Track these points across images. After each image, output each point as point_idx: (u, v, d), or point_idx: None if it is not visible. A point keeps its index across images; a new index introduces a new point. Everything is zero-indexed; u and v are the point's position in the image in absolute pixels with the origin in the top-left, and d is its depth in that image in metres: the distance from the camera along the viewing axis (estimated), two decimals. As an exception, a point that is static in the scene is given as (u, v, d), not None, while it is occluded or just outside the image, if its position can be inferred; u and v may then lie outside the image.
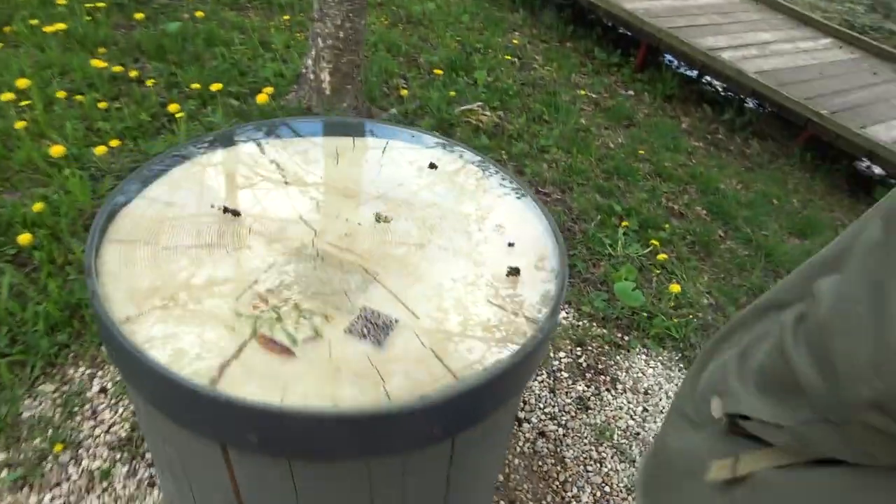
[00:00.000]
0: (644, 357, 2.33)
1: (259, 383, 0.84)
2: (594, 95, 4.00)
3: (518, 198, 1.27)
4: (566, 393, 2.14)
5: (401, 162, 1.32)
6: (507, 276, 1.07)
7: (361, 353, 0.91)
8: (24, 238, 2.14)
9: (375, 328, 0.94)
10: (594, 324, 2.40)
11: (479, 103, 3.39)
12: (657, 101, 4.12)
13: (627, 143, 3.55)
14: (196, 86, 3.01)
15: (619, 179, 3.20)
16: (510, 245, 1.14)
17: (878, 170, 3.89)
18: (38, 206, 2.20)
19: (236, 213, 1.09)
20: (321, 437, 0.85)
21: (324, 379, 0.86)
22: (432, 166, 1.30)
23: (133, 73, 3.05)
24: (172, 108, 2.70)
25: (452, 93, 3.44)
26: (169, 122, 2.82)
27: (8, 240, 2.18)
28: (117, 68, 3.05)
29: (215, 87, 2.86)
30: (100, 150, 2.52)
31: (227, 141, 1.29)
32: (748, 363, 0.69)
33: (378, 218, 1.13)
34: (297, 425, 0.83)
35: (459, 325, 0.97)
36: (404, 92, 3.37)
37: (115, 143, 2.56)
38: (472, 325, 0.98)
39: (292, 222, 1.12)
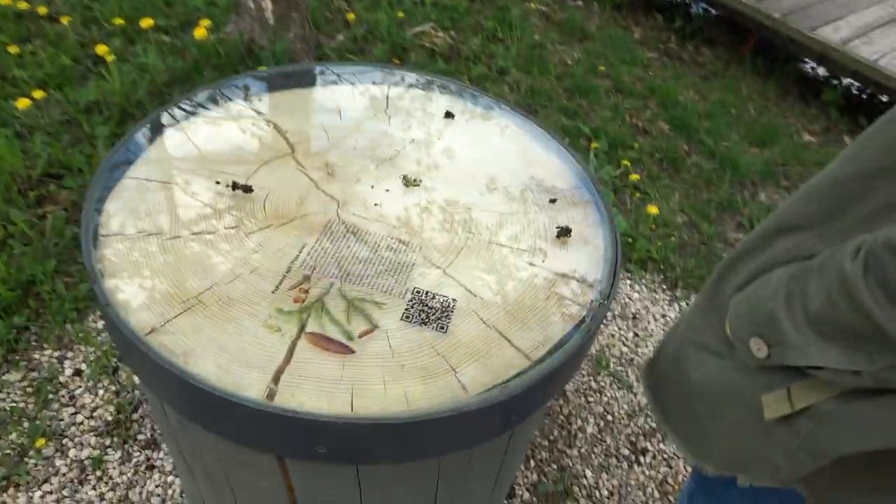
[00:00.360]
0: (629, 282, 2.33)
1: (320, 389, 0.75)
2: (544, 9, 3.84)
3: (529, 134, 1.18)
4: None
5: (410, 110, 1.20)
6: (557, 237, 0.99)
7: (425, 341, 0.82)
8: (-47, 212, 1.90)
9: (434, 312, 0.85)
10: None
11: (431, 24, 3.19)
12: (607, 11, 4.00)
13: (584, 58, 3.44)
14: (119, 21, 2.69)
15: (582, 98, 3.11)
16: (552, 201, 1.05)
17: (822, 71, 3.94)
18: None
19: (247, 189, 0.95)
20: (395, 442, 0.77)
21: (391, 376, 0.78)
22: (449, 115, 1.18)
23: (42, 10, 2.70)
24: (100, 49, 2.41)
25: (401, 13, 3.22)
26: (95, 64, 2.53)
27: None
28: (23, 4, 2.69)
29: (145, 22, 2.57)
30: (22, 102, 2.23)
31: (211, 100, 1.13)
32: (798, 309, 0.65)
33: (406, 181, 1.02)
34: (369, 434, 0.74)
35: (518, 298, 0.89)
36: (350, 16, 3.13)
37: (38, 93, 2.28)
38: (531, 296, 0.90)
39: (310, 193, 0.99)
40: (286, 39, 2.65)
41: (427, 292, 0.87)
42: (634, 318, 2.22)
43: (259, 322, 0.81)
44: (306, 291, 0.85)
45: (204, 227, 0.91)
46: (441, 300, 0.87)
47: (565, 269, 0.95)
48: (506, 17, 3.48)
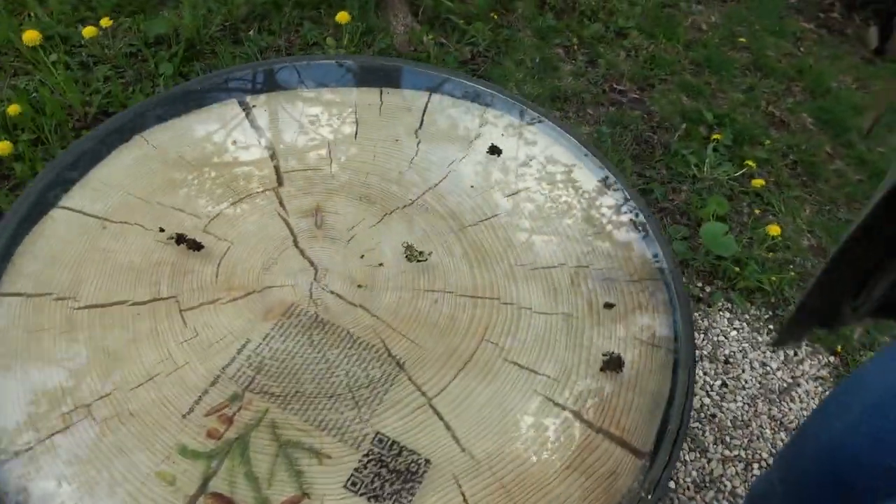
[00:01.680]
0: (728, 315, 1.96)
1: None
2: (687, -43, 3.29)
3: (631, 225, 0.87)
4: (632, 361, 1.81)
5: (448, 132, 0.91)
6: (603, 369, 0.70)
7: (371, 527, 0.58)
8: (2, 147, 1.80)
9: (394, 480, 0.60)
10: (670, 269, 2.01)
11: (547, -31, 2.78)
12: (763, -34, 3.39)
13: (723, 23, 2.93)
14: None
15: (712, 74, 2.64)
16: (608, 307, 0.76)
17: None
18: (13, 109, 1.84)
19: (196, 246, 0.72)
20: None
21: (310, 579, 0.54)
22: (494, 151, 0.88)
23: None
24: (176, -24, 2.22)
25: (514, -46, 2.82)
26: (173, -8, 2.35)
27: (-17, 147, 1.85)
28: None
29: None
30: (89, 31, 2.09)
31: (199, 99, 0.89)
32: None
33: (411, 252, 0.75)
34: None
35: (527, 467, 0.62)
36: (456, -47, 2.77)
37: (106, 21, 2.13)
38: (546, 466, 0.63)
39: (283, 252, 0.75)
40: (377, -20, 2.35)
41: (393, 443, 0.62)
42: (727, 361, 1.87)
43: (155, 461, 0.59)
44: (229, 421, 0.62)
45: (128, 294, 0.69)
46: (408, 460, 0.61)
47: (606, 423, 0.67)
48: (638, -34, 2.99)
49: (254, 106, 0.88)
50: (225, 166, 0.82)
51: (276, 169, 0.82)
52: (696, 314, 1.95)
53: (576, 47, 2.60)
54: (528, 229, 0.81)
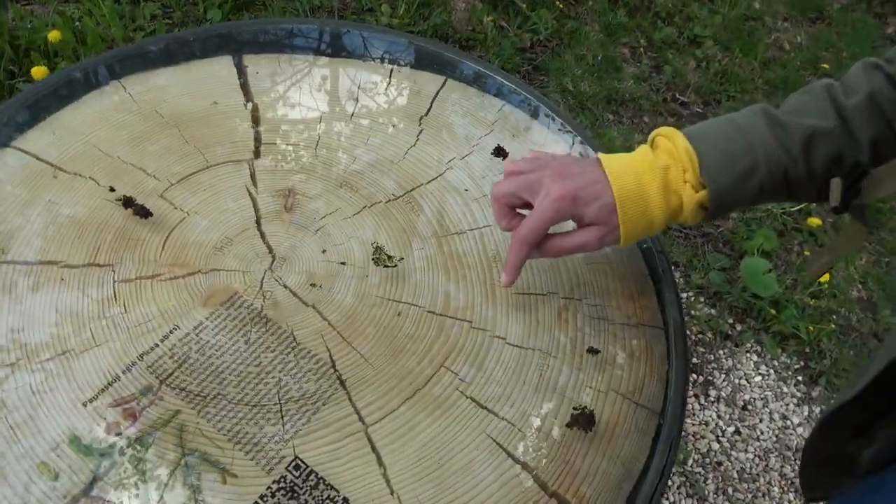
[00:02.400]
0: (755, 358, 1.83)
1: None
2: (781, -30, 3.07)
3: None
4: (642, 391, 1.70)
5: (455, 124, 0.82)
6: (570, 425, 0.61)
7: (263, 566, 0.50)
8: (38, 72, 1.78)
9: (301, 517, 0.52)
10: (702, 300, 1.89)
11: (627, -37, 2.63)
12: (863, -10, 3.15)
13: (809, 45, 2.73)
14: None
15: (785, 97, 2.46)
16: (592, 352, 0.66)
17: None
18: (54, 35, 1.81)
19: (143, 213, 0.65)
20: None
21: None
22: (500, 153, 0.79)
23: None
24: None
25: (595, -58, 2.67)
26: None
27: (23, 69, 1.83)
28: None
29: None
30: (142, -35, 2.05)
31: (191, 51, 0.82)
32: None
33: (379, 255, 0.67)
34: None
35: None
36: (534, -67, 2.63)
37: (159, -44, 2.08)
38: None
39: (243, 232, 0.67)
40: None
41: (311, 473, 0.55)
42: (745, 408, 1.74)
43: (42, 450, 0.52)
44: (134, 416, 0.55)
45: (63, 254, 0.63)
46: (323, 496, 0.54)
47: (563, 488, 0.58)
48: (725, -28, 2.81)
49: (247, 66, 0.81)
50: (201, 127, 0.74)
51: (257, 139, 0.75)
52: (720, 352, 1.82)
53: (643, 50, 2.45)
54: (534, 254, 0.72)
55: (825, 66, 2.65)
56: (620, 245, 0.64)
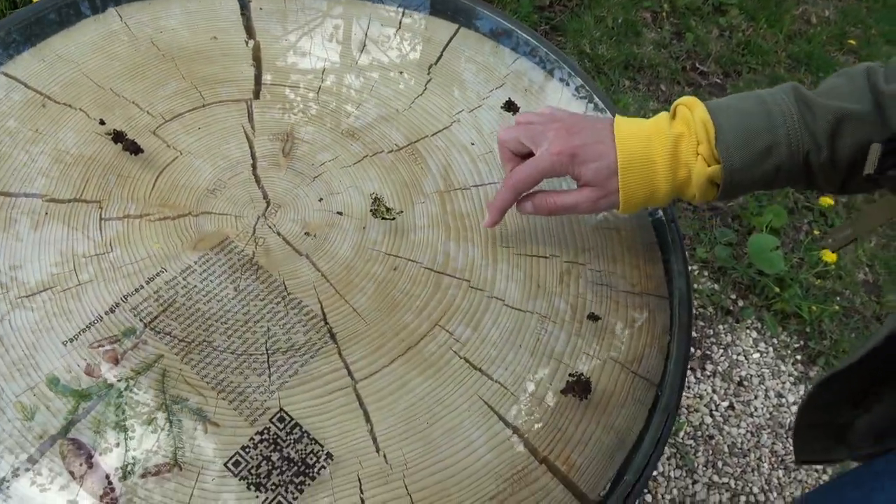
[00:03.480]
0: (755, 335, 1.81)
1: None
2: (814, -63, 2.96)
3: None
4: (639, 362, 1.69)
5: (466, 75, 0.78)
6: (564, 392, 0.59)
7: (241, 518, 0.49)
8: None
9: (284, 470, 0.51)
10: (706, 274, 1.87)
11: (654, -78, 2.53)
12: (897, -37, 3.04)
13: (837, 20, 2.64)
14: None
15: (809, 73, 2.40)
16: (592, 318, 0.64)
17: None
18: None
19: (134, 149, 0.62)
20: None
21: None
22: (511, 108, 0.75)
23: None
24: None
25: None
26: None
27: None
28: None
29: None
30: None
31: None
32: None
33: (378, 205, 0.64)
34: None
35: (453, 484, 0.53)
36: None
37: None
38: (476, 488, 0.53)
39: (236, 176, 0.65)
40: None
41: (296, 426, 0.53)
42: (741, 383, 1.73)
43: (19, 388, 0.51)
44: (115, 359, 0.53)
45: (48, 187, 0.60)
46: (307, 449, 0.52)
47: (554, 454, 0.56)
48: (756, -63, 2.70)
49: (251, 1, 0.77)
50: (199, 63, 0.71)
51: (257, 78, 0.71)
52: (720, 327, 1.80)
53: (665, 14, 2.37)
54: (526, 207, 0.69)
55: (852, 41, 2.57)
56: (619, 211, 0.62)
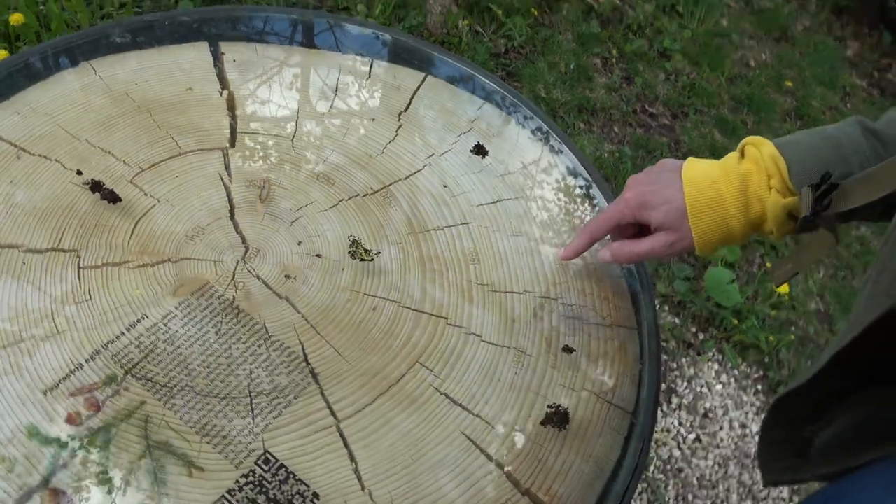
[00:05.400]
0: (716, 367, 1.86)
1: None
2: (748, -11, 3.16)
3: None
4: (607, 397, 1.71)
5: (435, 121, 0.81)
6: (544, 423, 0.60)
7: (229, 563, 0.49)
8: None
9: (270, 512, 0.51)
10: (667, 308, 1.92)
11: (601, -25, 2.66)
12: (825, 13, 3.25)
13: (773, 63, 2.80)
14: None
15: (750, 113, 2.52)
16: (567, 350, 0.66)
17: None
18: (16, 18, 1.75)
19: (113, 197, 0.63)
20: None
21: None
22: (480, 152, 0.78)
23: None
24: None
25: (570, -47, 2.70)
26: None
27: (-20, 54, 1.76)
28: None
29: None
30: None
31: (164, 34, 0.80)
32: None
33: (356, 248, 0.66)
34: None
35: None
36: (510, -59, 2.65)
37: (132, -55, 2.04)
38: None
39: (215, 222, 0.66)
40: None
41: (281, 467, 0.53)
42: (706, 415, 1.77)
43: (-3, 438, 0.50)
44: (96, 406, 0.53)
45: (24, 238, 0.60)
46: (293, 490, 0.52)
47: (535, 486, 0.57)
48: (695, -12, 2.86)
49: (223, 53, 0.79)
50: (174, 113, 0.73)
51: (232, 127, 0.73)
52: (683, 360, 1.84)
53: (615, 60, 2.48)
54: (498, 246, 0.72)
55: (789, 83, 2.72)
56: (697, 253, 0.62)
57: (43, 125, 0.68)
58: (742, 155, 0.62)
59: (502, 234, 0.73)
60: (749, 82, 2.64)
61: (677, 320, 1.90)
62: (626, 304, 0.71)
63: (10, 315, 0.56)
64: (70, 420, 0.52)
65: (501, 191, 0.77)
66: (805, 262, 0.62)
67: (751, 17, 3.01)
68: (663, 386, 1.79)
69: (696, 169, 0.62)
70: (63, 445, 0.51)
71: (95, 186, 0.62)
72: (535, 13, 2.41)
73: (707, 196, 0.60)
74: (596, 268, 0.73)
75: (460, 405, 0.60)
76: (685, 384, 1.81)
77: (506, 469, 0.58)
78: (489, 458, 0.58)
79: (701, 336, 1.91)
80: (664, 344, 1.87)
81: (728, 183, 0.60)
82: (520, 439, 0.59)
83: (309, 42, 0.85)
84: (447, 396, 0.61)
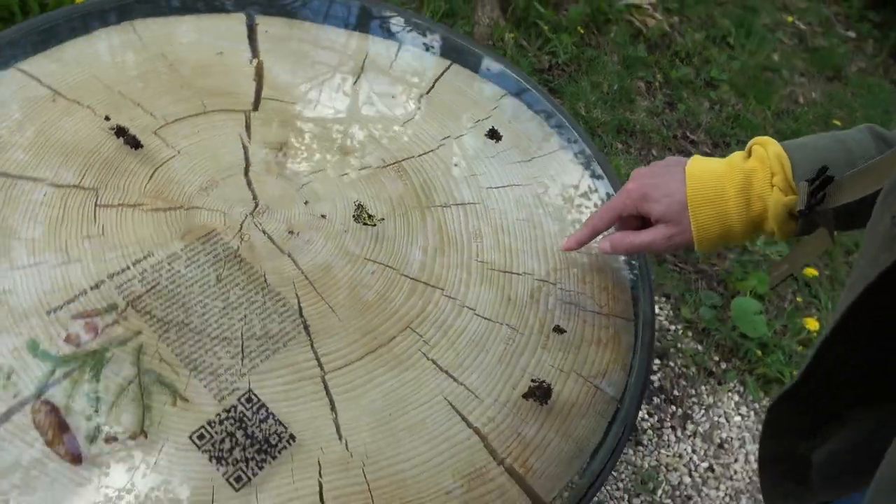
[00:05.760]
0: (736, 398, 1.82)
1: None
2: (803, 27, 3.12)
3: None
4: (619, 416, 1.68)
5: (454, 104, 0.83)
6: (525, 396, 0.61)
7: (206, 486, 0.50)
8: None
9: (246, 447, 0.52)
10: (690, 334, 1.88)
11: (652, 0, 2.67)
12: (882, 55, 3.19)
13: (823, 102, 2.75)
14: None
15: (794, 149, 2.47)
16: (558, 331, 0.66)
17: None
18: None
19: (134, 144, 0.66)
20: None
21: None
22: (494, 136, 0.80)
23: None
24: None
25: (623, -22, 2.72)
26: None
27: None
28: None
29: None
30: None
31: (206, 2, 0.84)
32: None
33: (361, 212, 0.67)
34: None
35: (411, 477, 0.54)
36: (563, -38, 2.68)
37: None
38: (432, 482, 0.54)
39: (230, 177, 0.68)
40: (473, -35, 2.29)
41: (262, 406, 0.55)
42: (721, 446, 1.73)
43: (0, 351, 0.53)
44: (95, 330, 0.55)
45: (50, 173, 0.63)
46: (271, 430, 0.54)
47: (512, 457, 0.57)
48: (748, 21, 2.85)
49: (258, 25, 0.82)
50: (204, 75, 0.76)
51: (257, 93, 0.76)
52: (702, 388, 1.81)
53: (658, 85, 2.48)
54: (502, 227, 0.73)
55: (837, 122, 2.67)
56: (696, 248, 0.62)
57: (80, 74, 0.71)
58: (749, 154, 0.62)
59: (509, 218, 0.74)
60: (796, 118, 2.60)
61: (700, 347, 1.87)
62: (624, 296, 0.71)
63: (27, 241, 0.59)
64: (69, 340, 0.54)
65: (513, 176, 0.78)
66: (800, 262, 0.61)
67: (804, 54, 2.97)
68: (679, 411, 1.75)
69: (701, 165, 0.62)
70: (59, 363, 0.53)
71: (120, 132, 0.66)
72: (582, 32, 2.43)
73: (709, 190, 0.60)
74: (598, 258, 0.73)
75: (446, 372, 0.61)
76: (702, 412, 1.77)
77: (484, 437, 0.58)
78: (468, 424, 0.58)
79: (723, 366, 1.87)
80: (684, 369, 1.83)
81: (731, 179, 0.60)
82: (501, 411, 0.60)
83: (345, 23, 0.88)
84: (434, 362, 0.61)
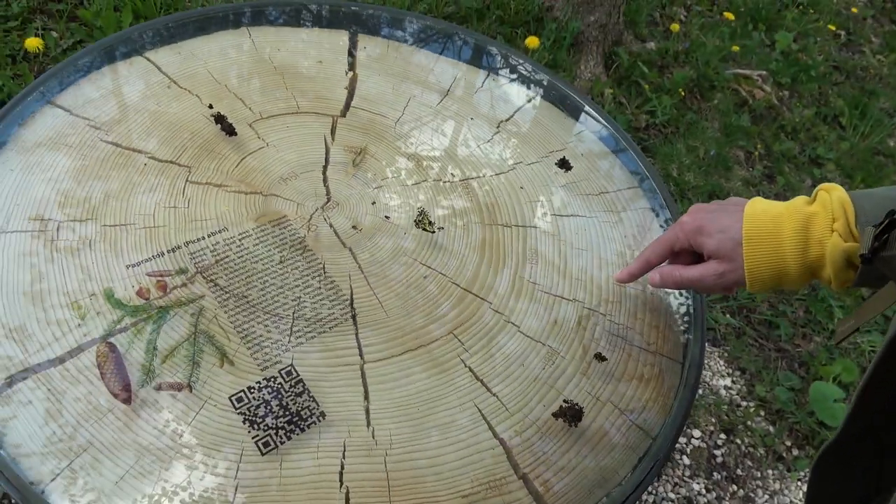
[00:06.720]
0: (805, 488, 1.69)
1: (33, 437, 0.51)
2: (926, 114, 2.97)
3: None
4: (674, 485, 1.62)
5: (532, 134, 0.86)
6: (555, 415, 0.61)
7: (236, 446, 0.53)
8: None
9: (278, 415, 0.55)
10: (762, 413, 1.79)
11: (762, 72, 2.62)
12: None
13: (940, 194, 2.58)
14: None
15: (901, 238, 2.33)
16: (599, 358, 0.66)
17: None
18: (32, 43, 1.52)
19: (230, 130, 0.72)
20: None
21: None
22: (564, 165, 0.82)
23: None
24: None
25: (736, 47, 2.70)
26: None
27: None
28: None
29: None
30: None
31: (317, 18, 0.91)
32: None
33: (422, 217, 0.70)
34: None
35: (430, 473, 0.55)
36: (675, 27, 2.69)
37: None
38: (450, 484, 0.55)
39: (308, 174, 0.73)
40: (582, 20, 2.34)
41: (300, 381, 0.58)
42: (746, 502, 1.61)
43: (80, 293, 0.59)
44: (164, 288, 0.60)
45: (152, 147, 0.70)
46: (305, 404, 0.56)
47: (534, 474, 0.57)
48: (865, 102, 2.74)
49: (358, 41, 0.88)
50: (303, 80, 0.82)
51: (348, 101, 0.81)
52: (769, 471, 1.70)
53: (759, 156, 2.42)
54: (561, 253, 0.74)
55: (953, 216, 2.50)
56: (748, 288, 0.60)
57: (195, 67, 0.79)
58: (814, 199, 0.61)
59: (568, 245, 0.75)
60: (907, 206, 2.45)
61: (772, 429, 1.77)
62: (674, 337, 0.70)
63: (121, 202, 0.65)
64: (140, 293, 0.59)
65: (578, 207, 0.79)
66: (866, 316, 0.58)
67: (923, 142, 2.82)
68: (741, 491, 1.66)
69: (761, 205, 0.61)
70: (129, 312, 0.58)
71: (219, 119, 0.72)
72: (683, 95, 2.42)
73: (765, 230, 0.59)
74: (653, 296, 0.73)
75: (480, 381, 0.62)
76: (766, 497, 1.66)
77: (508, 449, 0.58)
78: (495, 434, 0.59)
79: (795, 452, 1.76)
80: (752, 449, 1.74)
81: (790, 220, 0.58)
82: (529, 427, 0.60)
83: (440, 50, 0.93)
84: (471, 370, 0.63)
